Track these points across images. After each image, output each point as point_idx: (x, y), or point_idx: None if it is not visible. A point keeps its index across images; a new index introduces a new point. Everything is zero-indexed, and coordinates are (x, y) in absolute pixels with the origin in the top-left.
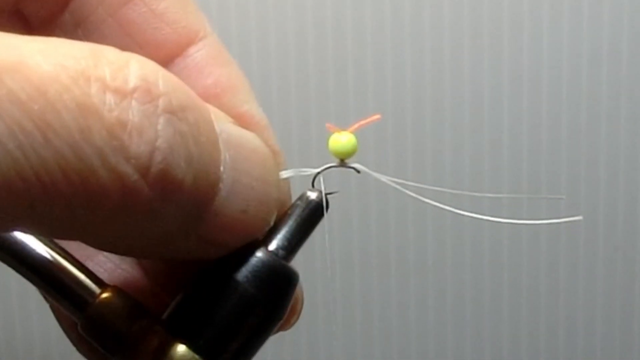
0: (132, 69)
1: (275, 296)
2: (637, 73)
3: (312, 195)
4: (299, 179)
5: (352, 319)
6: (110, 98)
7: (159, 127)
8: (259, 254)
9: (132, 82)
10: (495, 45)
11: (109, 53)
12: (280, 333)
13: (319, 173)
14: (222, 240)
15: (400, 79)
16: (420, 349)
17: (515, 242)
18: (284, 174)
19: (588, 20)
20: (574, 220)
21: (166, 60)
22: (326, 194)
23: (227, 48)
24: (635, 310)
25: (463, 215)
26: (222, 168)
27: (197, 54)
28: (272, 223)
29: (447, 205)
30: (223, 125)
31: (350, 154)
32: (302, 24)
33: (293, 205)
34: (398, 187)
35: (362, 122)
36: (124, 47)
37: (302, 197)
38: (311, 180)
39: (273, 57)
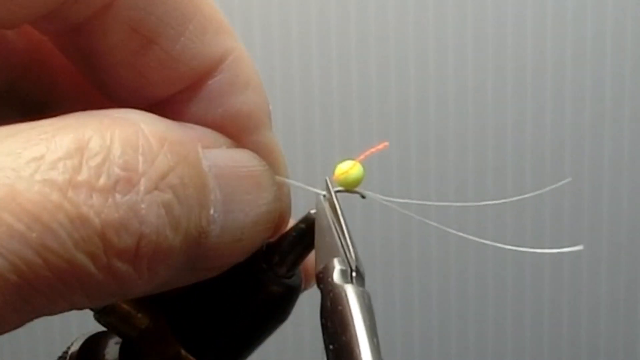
0: (114, 156)
1: (268, 311)
2: None
3: (315, 216)
4: (303, 201)
5: None
6: (97, 200)
7: (143, 212)
8: (258, 272)
9: (114, 175)
10: (500, 60)
11: (91, 141)
12: (282, 335)
13: (323, 197)
14: (218, 265)
15: (404, 99)
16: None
17: (518, 244)
18: (286, 182)
19: (591, 20)
20: (576, 250)
21: (183, 94)
22: None
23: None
24: (639, 309)
25: (468, 238)
26: (212, 210)
27: (212, 83)
28: (270, 234)
29: (451, 218)
30: (213, 156)
31: (357, 184)
32: (307, 49)
33: (297, 225)
34: (405, 211)
35: (370, 151)
36: (137, 87)
37: (306, 217)
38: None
39: (278, 84)
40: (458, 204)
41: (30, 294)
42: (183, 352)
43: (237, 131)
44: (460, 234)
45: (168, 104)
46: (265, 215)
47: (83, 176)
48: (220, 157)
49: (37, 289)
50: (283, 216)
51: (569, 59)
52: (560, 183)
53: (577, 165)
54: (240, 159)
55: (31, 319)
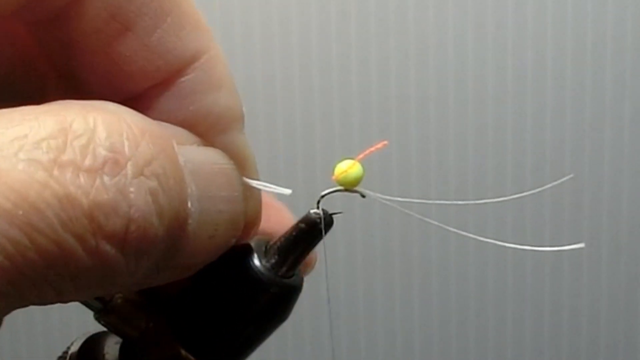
0: (99, 138)
1: (268, 311)
2: None
3: (315, 215)
4: (305, 200)
5: (355, 321)
6: (84, 180)
7: (132, 195)
8: (259, 272)
9: (101, 156)
10: (499, 60)
11: (74, 123)
12: (282, 335)
13: (323, 196)
14: (191, 263)
15: (404, 98)
16: (424, 350)
17: (519, 242)
18: (254, 183)
19: (592, 19)
20: (577, 248)
21: (156, 89)
22: (330, 214)
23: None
24: (639, 309)
25: (468, 236)
26: (189, 204)
27: (185, 80)
28: (239, 234)
29: (452, 217)
30: (186, 153)
31: (357, 184)
32: (307, 49)
33: (297, 225)
34: (405, 210)
35: (370, 150)
36: (112, 77)
37: (306, 217)
38: (316, 202)
39: (278, 84)
40: (458, 201)
41: (17, 277)
42: (183, 352)
43: (206, 130)
44: (461, 232)
45: (140, 100)
46: (237, 213)
47: (68, 156)
48: (194, 154)
49: (24, 272)
50: (252, 217)
51: (569, 59)
52: (560, 180)
53: (578, 165)
54: (211, 157)
55: (17, 307)
